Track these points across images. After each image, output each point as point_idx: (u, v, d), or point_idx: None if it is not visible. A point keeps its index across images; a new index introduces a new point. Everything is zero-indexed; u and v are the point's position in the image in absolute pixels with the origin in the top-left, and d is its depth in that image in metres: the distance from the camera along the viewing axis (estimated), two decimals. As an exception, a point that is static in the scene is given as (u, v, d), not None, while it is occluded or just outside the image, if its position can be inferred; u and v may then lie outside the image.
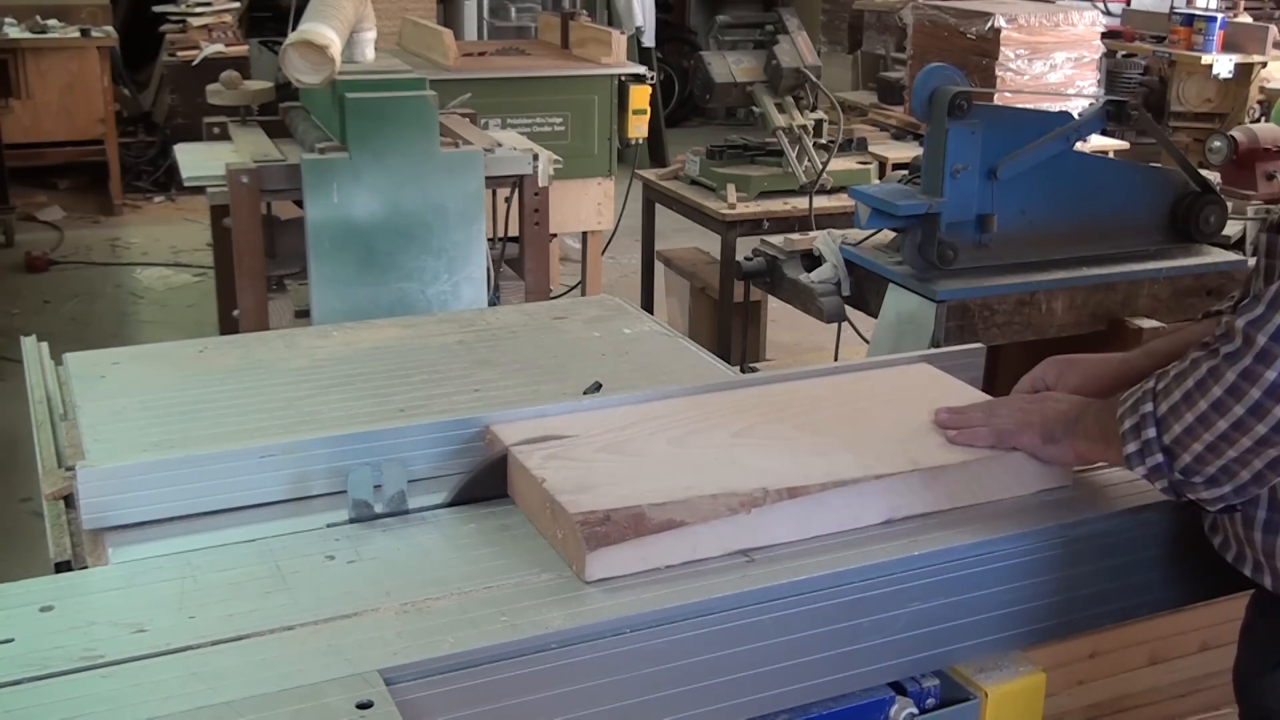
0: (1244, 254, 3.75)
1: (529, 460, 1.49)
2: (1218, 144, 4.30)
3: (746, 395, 1.72)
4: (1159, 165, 3.77)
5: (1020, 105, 3.97)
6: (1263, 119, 6.60)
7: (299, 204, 3.19)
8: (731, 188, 4.23)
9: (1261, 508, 1.38)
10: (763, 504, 1.42)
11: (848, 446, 1.56)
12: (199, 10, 7.71)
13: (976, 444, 1.54)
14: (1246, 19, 7.57)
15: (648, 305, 4.72)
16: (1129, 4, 8.52)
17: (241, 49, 7.43)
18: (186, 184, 3.23)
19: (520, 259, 3.52)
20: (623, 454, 1.53)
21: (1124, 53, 7.74)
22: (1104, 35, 5.44)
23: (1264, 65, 7.06)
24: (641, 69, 5.01)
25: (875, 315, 3.17)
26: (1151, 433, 1.34)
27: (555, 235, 4.73)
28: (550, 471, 1.47)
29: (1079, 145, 3.20)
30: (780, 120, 4.31)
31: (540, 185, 3.39)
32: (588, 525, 1.35)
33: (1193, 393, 1.30)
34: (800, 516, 1.44)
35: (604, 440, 1.56)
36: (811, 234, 3.53)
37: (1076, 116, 3.24)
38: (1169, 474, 1.35)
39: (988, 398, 1.69)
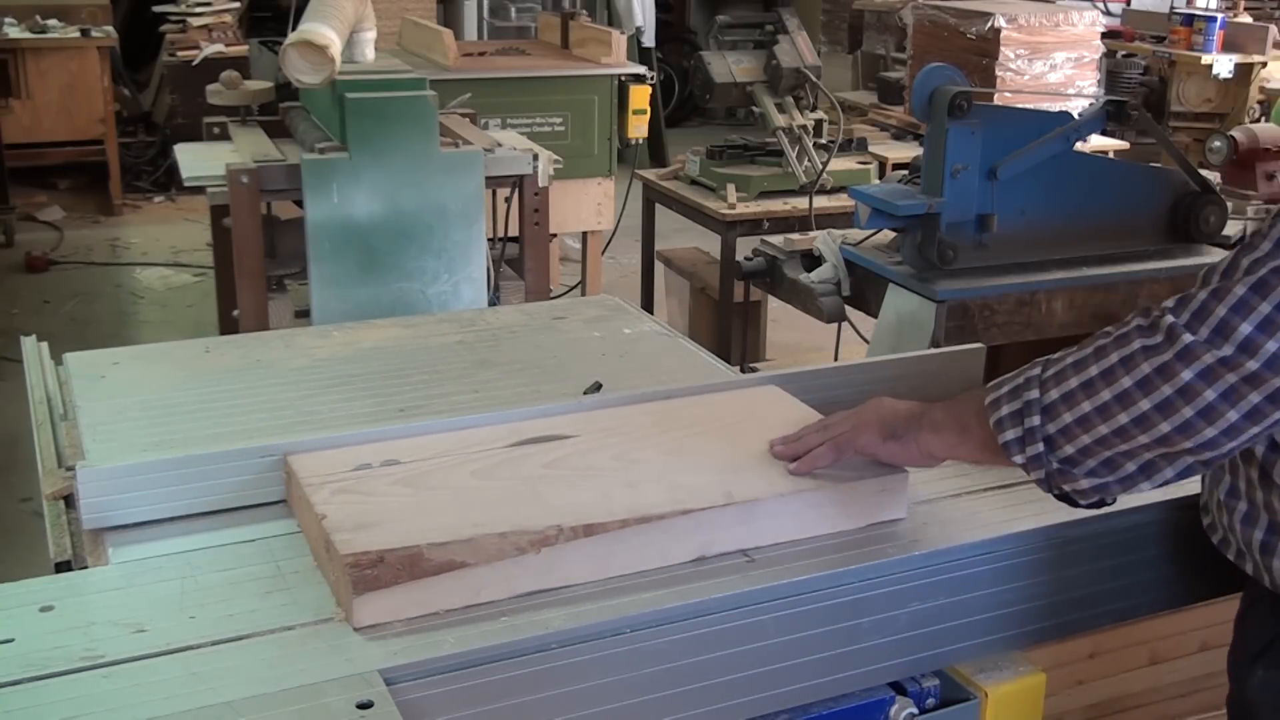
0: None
1: (316, 495, 1.40)
2: (1218, 144, 4.30)
3: (575, 420, 1.62)
4: (1159, 165, 3.77)
5: (1020, 105, 3.97)
6: (1263, 119, 6.60)
7: (299, 204, 3.19)
8: (731, 188, 4.23)
9: (1241, 499, 1.37)
10: (555, 543, 1.33)
11: (660, 478, 1.46)
12: (199, 10, 7.71)
13: (819, 466, 1.46)
14: (1246, 19, 7.58)
15: (648, 305, 4.72)
16: (1129, 4, 8.52)
17: (241, 49, 7.43)
18: (186, 184, 3.22)
19: (520, 259, 3.52)
20: (418, 488, 1.43)
21: (1124, 53, 7.74)
22: (1104, 35, 5.44)
23: (1264, 65, 7.06)
24: (641, 69, 5.01)
25: (875, 315, 3.17)
26: (1036, 420, 1.29)
27: (555, 235, 4.73)
28: (334, 507, 1.37)
29: (1079, 145, 3.20)
30: (780, 120, 4.31)
31: (540, 185, 3.39)
32: (358, 568, 1.26)
33: (1095, 381, 1.25)
34: (597, 556, 1.34)
35: (403, 472, 1.47)
36: (811, 234, 3.53)
37: (1076, 116, 3.24)
38: (1047, 464, 1.31)
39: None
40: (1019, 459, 1.32)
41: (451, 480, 1.46)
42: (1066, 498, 1.35)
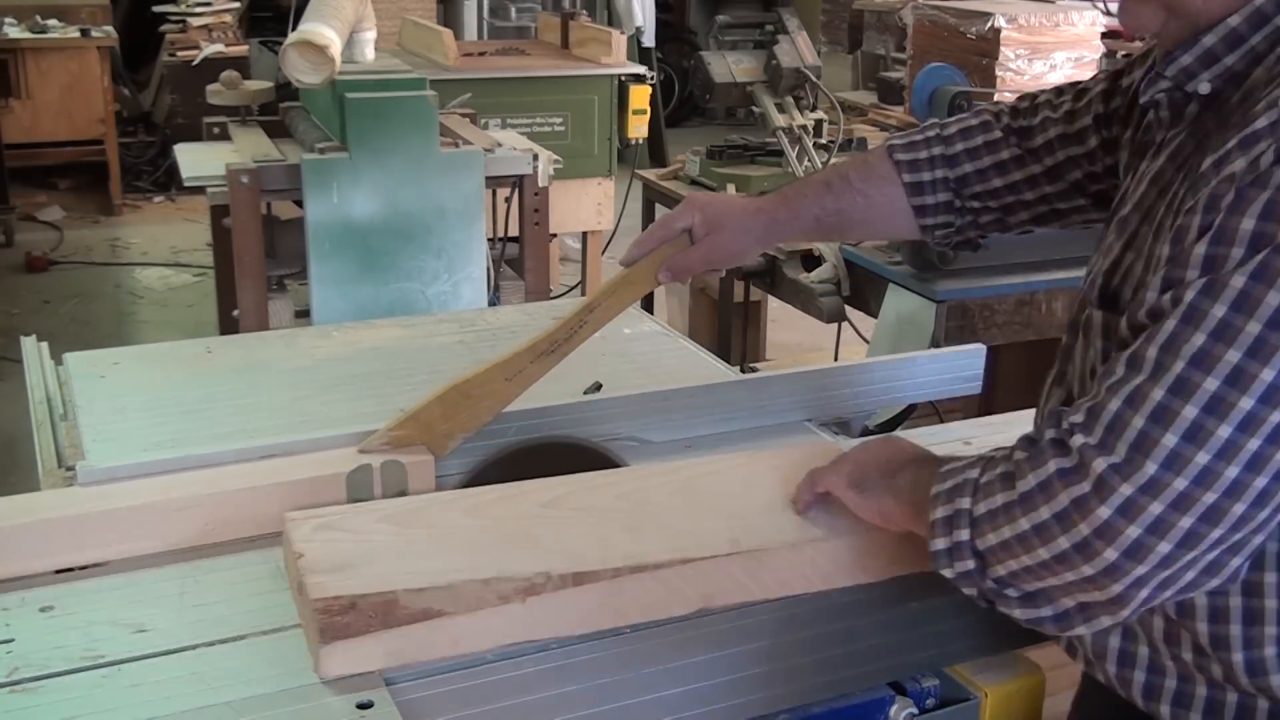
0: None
1: (298, 531, 1.32)
2: (1218, 144, 4.29)
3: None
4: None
5: (1020, 105, 3.97)
6: (1263, 119, 6.59)
7: (299, 204, 3.19)
8: (731, 188, 4.23)
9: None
10: (542, 592, 1.23)
11: (663, 524, 1.36)
12: (199, 10, 7.71)
13: (803, 501, 1.37)
14: (1246, 19, 7.57)
15: (648, 305, 4.71)
16: (1129, 4, 8.51)
17: (241, 49, 7.43)
18: (186, 184, 3.22)
19: (520, 259, 3.52)
20: (405, 525, 1.34)
21: (1124, 53, 7.74)
22: (1104, 35, 5.44)
23: (1264, 65, 7.05)
24: (641, 69, 5.01)
25: (875, 315, 3.17)
26: (964, 535, 1.12)
27: (555, 235, 4.73)
28: (314, 545, 1.29)
29: (1079, 145, 3.20)
30: (780, 120, 4.31)
31: (540, 185, 3.39)
32: (328, 614, 1.17)
33: (1014, 506, 1.08)
34: (587, 608, 1.25)
35: (391, 508, 1.39)
36: (811, 234, 3.53)
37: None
38: (980, 582, 1.14)
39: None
40: (947, 573, 1.16)
41: (442, 518, 1.37)
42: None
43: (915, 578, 1.40)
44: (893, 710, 1.40)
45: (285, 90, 3.52)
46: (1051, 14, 5.12)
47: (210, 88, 3.59)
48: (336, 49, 2.97)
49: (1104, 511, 1.01)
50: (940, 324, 2.92)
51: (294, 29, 3.02)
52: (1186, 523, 1.00)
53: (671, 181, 4.55)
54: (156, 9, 7.86)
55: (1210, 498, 0.99)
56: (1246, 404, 0.98)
